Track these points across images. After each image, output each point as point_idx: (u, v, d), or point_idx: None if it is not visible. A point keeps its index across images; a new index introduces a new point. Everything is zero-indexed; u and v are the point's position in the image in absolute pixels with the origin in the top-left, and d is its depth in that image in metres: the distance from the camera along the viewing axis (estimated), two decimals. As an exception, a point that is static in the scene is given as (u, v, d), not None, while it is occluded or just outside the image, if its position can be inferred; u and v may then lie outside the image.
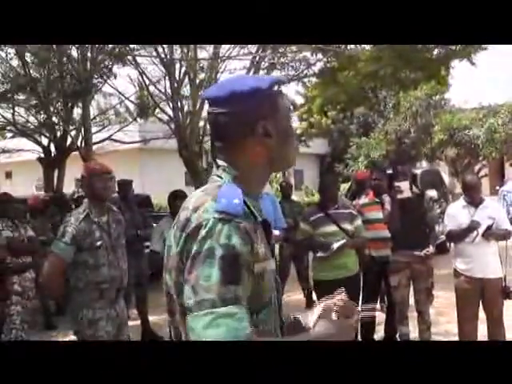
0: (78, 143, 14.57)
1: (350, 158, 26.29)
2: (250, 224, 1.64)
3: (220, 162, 1.79)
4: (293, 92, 18.70)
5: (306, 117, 35.43)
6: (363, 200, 6.85)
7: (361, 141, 25.21)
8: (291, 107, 2.00)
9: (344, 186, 16.63)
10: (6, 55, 13.77)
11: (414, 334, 6.25)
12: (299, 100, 19.66)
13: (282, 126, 1.78)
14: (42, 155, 15.52)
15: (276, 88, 1.79)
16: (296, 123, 34.24)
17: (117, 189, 9.16)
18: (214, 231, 1.57)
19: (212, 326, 1.50)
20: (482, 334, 5.77)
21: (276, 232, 5.57)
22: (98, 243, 4.24)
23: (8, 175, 25.90)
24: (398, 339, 6.30)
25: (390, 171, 6.54)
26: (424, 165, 23.15)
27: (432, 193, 12.47)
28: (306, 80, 16.62)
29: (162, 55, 13.57)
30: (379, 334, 6.82)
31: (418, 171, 14.47)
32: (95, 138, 16.38)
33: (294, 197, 16.69)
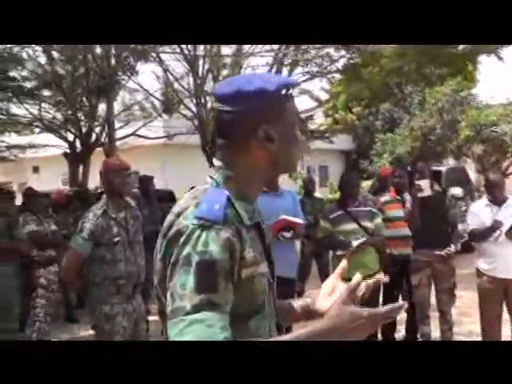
0: (103, 139, 14.70)
1: (375, 154, 26.11)
2: (232, 229, 1.59)
3: (216, 162, 1.75)
4: (318, 88, 18.63)
5: (330, 113, 35.37)
6: (384, 198, 6.78)
7: (386, 137, 24.98)
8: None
9: (367, 183, 16.54)
10: (34, 52, 13.91)
11: (435, 333, 6.20)
12: (324, 96, 19.56)
13: (285, 131, 1.71)
14: (68, 150, 15.68)
15: (284, 91, 1.70)
16: (321, 119, 34.19)
17: (138, 184, 9.26)
18: (191, 238, 1.54)
19: (183, 333, 1.48)
20: (506, 334, 5.70)
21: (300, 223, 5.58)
22: (116, 239, 4.27)
23: (35, 170, 26.21)
24: (420, 339, 6.25)
25: (411, 169, 6.47)
26: (450, 162, 22.91)
27: (457, 190, 12.37)
28: (329, 76, 16.52)
29: (186, 52, 13.61)
30: (400, 333, 6.77)
31: (443, 168, 14.35)
32: (120, 133, 16.54)
33: (318, 193, 16.71)
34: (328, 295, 1.88)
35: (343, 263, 1.90)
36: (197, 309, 1.49)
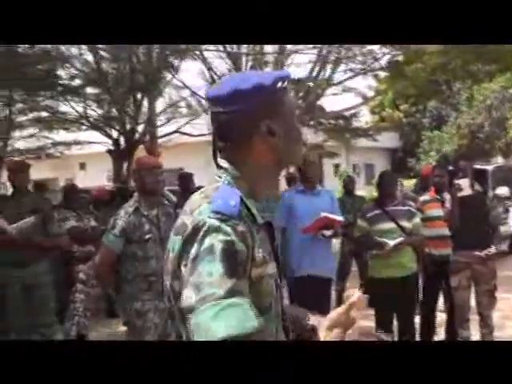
0: (146, 136, 14.87)
1: (422, 152, 25.80)
2: (246, 227, 1.58)
3: (222, 163, 1.73)
4: (362, 86, 18.45)
5: (377, 110, 35.02)
6: (424, 197, 6.66)
7: (433, 134, 24.67)
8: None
9: (413, 182, 16.29)
10: (79, 51, 14.14)
11: (476, 337, 6.05)
12: (370, 94, 19.37)
13: (286, 123, 1.72)
14: (112, 147, 15.91)
15: (280, 84, 1.70)
16: (367, 117, 33.87)
17: (178, 181, 9.32)
18: (211, 230, 1.53)
19: (220, 316, 1.44)
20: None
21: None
22: (147, 236, 4.30)
23: (82, 166, 26.71)
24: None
25: (451, 168, 6.32)
26: (499, 160, 22.43)
27: (503, 190, 12.07)
28: (373, 74, 16.35)
29: (229, 49, 13.64)
30: (440, 336, 6.65)
31: (490, 167, 14.01)
32: (164, 130, 16.68)
33: (364, 192, 16.55)
34: (327, 329, 1.84)
35: (355, 298, 1.86)
36: (230, 294, 1.46)
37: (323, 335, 1.76)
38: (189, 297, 1.50)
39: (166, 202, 4.68)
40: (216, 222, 1.54)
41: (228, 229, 1.53)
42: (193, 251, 1.54)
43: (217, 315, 1.44)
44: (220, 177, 1.70)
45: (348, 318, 1.83)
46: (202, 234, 1.54)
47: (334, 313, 1.86)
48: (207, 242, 1.52)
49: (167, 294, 1.67)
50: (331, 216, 5.47)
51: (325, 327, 1.82)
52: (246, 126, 1.67)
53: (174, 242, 1.63)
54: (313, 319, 1.90)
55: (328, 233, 5.50)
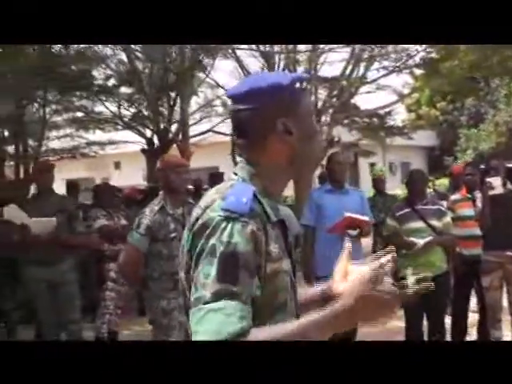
0: (179, 136, 14.95)
1: (459, 150, 25.43)
2: (258, 224, 1.60)
3: (239, 160, 1.78)
4: (398, 83, 18.29)
5: (414, 108, 34.63)
6: (455, 196, 6.58)
7: (470, 132, 24.28)
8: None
9: (446, 181, 16.07)
10: (114, 51, 14.29)
11: (508, 337, 5.96)
12: (405, 91, 19.20)
13: (303, 123, 1.74)
14: (146, 147, 16.03)
15: (298, 85, 1.74)
16: (403, 115, 33.54)
17: (209, 181, 9.35)
18: (217, 229, 1.56)
19: (201, 321, 1.49)
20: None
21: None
22: (173, 235, 4.31)
23: (117, 166, 26.94)
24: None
25: (483, 166, 6.22)
26: (538, 159, 21.97)
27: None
28: (407, 71, 16.19)
29: (262, 48, 13.63)
30: (472, 336, 6.54)
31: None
32: (198, 129, 16.76)
33: (399, 190, 16.36)
34: (342, 280, 1.83)
35: (348, 246, 1.88)
36: (216, 297, 1.50)
37: (340, 287, 1.77)
38: (191, 293, 1.56)
39: (191, 200, 4.68)
40: (224, 221, 1.56)
41: (234, 230, 1.55)
42: (198, 247, 1.58)
43: (200, 320, 1.49)
44: (236, 174, 1.74)
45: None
46: (208, 232, 1.57)
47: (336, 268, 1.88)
48: (211, 241, 1.56)
49: (182, 287, 1.71)
50: (356, 216, 5.43)
51: (336, 281, 1.83)
52: (262, 123, 1.70)
53: (187, 236, 1.67)
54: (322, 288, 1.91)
55: (353, 233, 5.45)
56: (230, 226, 1.55)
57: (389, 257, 1.68)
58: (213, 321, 1.47)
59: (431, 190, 10.15)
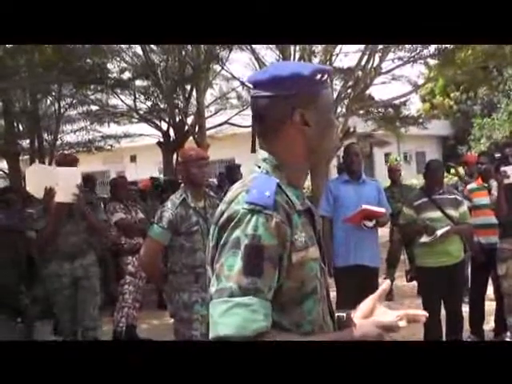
0: (195, 128, 14.95)
1: (473, 139, 25.27)
2: (282, 215, 1.61)
3: (261, 152, 1.78)
4: (412, 74, 18.21)
5: (428, 98, 34.45)
6: (471, 185, 6.62)
7: (483, 122, 24.11)
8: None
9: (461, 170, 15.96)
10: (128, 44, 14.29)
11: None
12: (420, 81, 19.07)
13: (321, 116, 1.74)
14: (162, 140, 16.05)
15: (319, 77, 1.73)
16: (417, 105, 33.35)
17: (225, 173, 9.35)
18: (242, 222, 1.58)
19: (227, 314, 1.51)
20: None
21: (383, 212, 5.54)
22: (194, 228, 4.28)
23: (133, 159, 26.99)
24: (508, 332, 6.01)
25: (498, 155, 6.21)
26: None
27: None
28: (422, 62, 16.05)
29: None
30: (489, 324, 6.53)
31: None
32: (214, 122, 16.74)
33: (415, 180, 16.28)
34: (365, 317, 1.79)
35: (385, 286, 1.84)
36: (243, 292, 1.52)
37: (356, 323, 1.74)
38: (212, 284, 1.59)
39: (212, 193, 4.66)
40: (248, 214, 1.58)
41: (259, 223, 1.57)
42: (223, 238, 1.60)
43: (225, 312, 1.51)
44: (259, 166, 1.75)
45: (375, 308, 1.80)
46: (232, 224, 1.59)
47: (364, 302, 1.85)
48: (235, 233, 1.57)
49: (209, 281, 1.71)
50: (371, 207, 5.47)
51: (356, 316, 1.81)
52: (281, 112, 1.71)
53: (213, 230, 1.69)
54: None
55: (370, 224, 5.52)
56: (254, 218, 1.57)
57: (404, 323, 1.72)
58: (239, 316, 1.49)
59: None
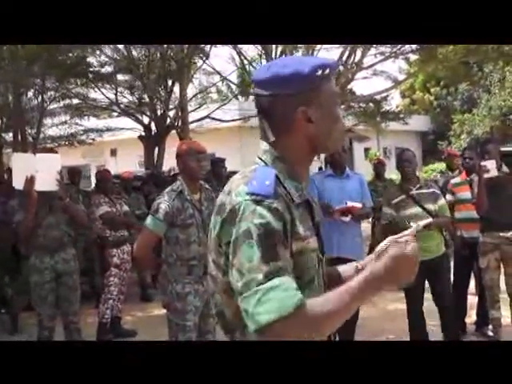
0: (177, 122, 14.95)
1: (453, 135, 25.48)
2: (282, 205, 1.64)
3: (263, 143, 1.81)
4: (393, 69, 18.34)
5: (408, 94, 34.63)
6: (455, 180, 6.67)
7: (463, 117, 24.32)
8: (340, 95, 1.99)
9: (441, 165, 16.16)
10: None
11: (507, 319, 6.05)
12: (400, 77, 19.19)
13: (324, 112, 1.76)
14: (143, 133, 16.02)
15: (320, 73, 1.72)
16: (397, 100, 33.54)
17: (210, 166, 9.37)
18: (247, 213, 1.60)
19: (261, 302, 1.52)
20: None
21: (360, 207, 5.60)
22: (190, 221, 4.31)
23: (113, 152, 26.78)
24: (490, 325, 6.13)
25: (478, 150, 6.29)
26: (532, 143, 22.05)
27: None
28: (403, 57, 16.18)
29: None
30: (471, 318, 6.67)
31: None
32: (195, 116, 16.74)
33: (395, 175, 16.38)
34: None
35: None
36: (268, 277, 1.54)
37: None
38: (236, 281, 1.59)
39: (208, 186, 4.71)
40: (251, 205, 1.61)
41: (263, 210, 1.60)
42: (233, 234, 1.62)
43: (259, 302, 1.53)
44: (261, 158, 1.78)
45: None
46: (239, 216, 1.62)
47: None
48: (244, 225, 1.60)
49: (210, 269, 1.76)
50: (348, 204, 5.53)
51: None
52: (283, 110, 1.74)
53: (215, 221, 1.72)
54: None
55: (346, 218, 5.54)
56: (259, 207, 1.60)
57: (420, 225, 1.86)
58: (273, 299, 1.52)
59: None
